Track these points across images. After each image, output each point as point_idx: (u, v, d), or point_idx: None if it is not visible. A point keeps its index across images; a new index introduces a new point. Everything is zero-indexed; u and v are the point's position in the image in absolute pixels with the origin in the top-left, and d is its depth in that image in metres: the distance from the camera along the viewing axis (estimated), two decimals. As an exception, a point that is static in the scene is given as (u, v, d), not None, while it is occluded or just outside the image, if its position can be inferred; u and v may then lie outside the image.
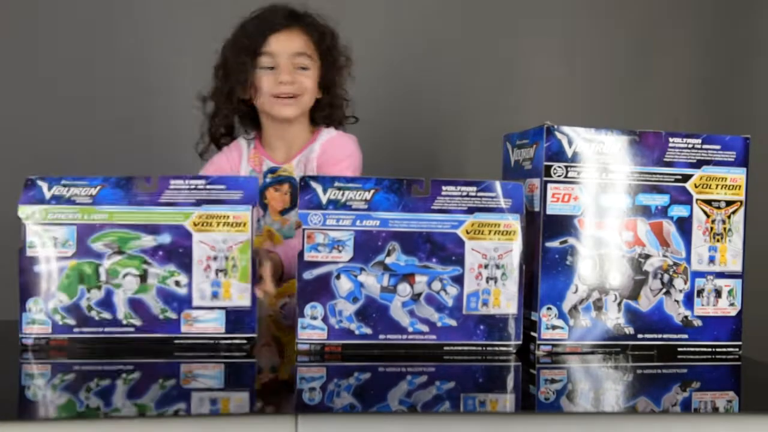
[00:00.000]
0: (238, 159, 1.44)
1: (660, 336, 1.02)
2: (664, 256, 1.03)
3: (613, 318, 1.01)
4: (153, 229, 0.98)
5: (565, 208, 1.00)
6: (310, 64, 1.39)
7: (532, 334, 1.01)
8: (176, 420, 0.72)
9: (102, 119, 1.90)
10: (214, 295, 0.99)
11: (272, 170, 1.43)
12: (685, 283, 1.03)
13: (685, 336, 1.03)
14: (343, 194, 0.98)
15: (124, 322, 0.98)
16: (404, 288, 0.98)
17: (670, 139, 1.02)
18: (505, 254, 0.99)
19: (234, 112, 1.44)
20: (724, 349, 1.04)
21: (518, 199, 1.00)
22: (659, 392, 0.88)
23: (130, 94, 1.91)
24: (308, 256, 0.97)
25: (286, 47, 1.37)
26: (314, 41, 1.40)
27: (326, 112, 1.45)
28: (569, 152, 1.00)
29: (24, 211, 0.97)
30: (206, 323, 0.99)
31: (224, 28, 1.47)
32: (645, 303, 1.02)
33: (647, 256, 1.02)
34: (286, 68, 1.36)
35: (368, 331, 0.98)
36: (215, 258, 0.99)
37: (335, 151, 1.41)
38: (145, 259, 0.98)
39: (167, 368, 0.93)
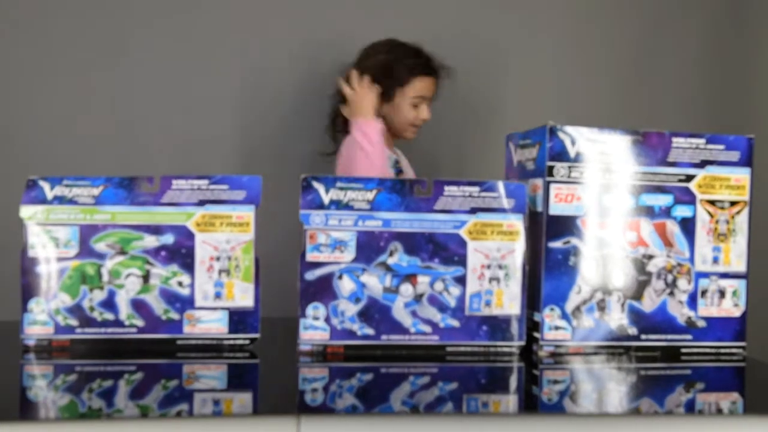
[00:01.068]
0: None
1: (663, 337, 1.02)
2: (668, 256, 1.02)
3: (617, 319, 1.01)
4: (155, 230, 0.98)
5: (568, 208, 0.99)
6: None
7: (535, 334, 1.01)
8: (179, 421, 0.72)
9: (102, 119, 1.90)
10: (217, 296, 0.99)
11: (396, 161, 1.77)
12: (689, 284, 1.03)
13: (689, 337, 1.03)
14: (345, 194, 0.97)
15: (127, 322, 0.98)
16: (407, 288, 0.98)
17: (674, 139, 1.02)
18: (508, 255, 0.99)
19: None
20: (728, 350, 1.03)
21: (521, 199, 1.00)
22: (663, 393, 0.88)
23: (132, 94, 1.91)
24: (310, 257, 0.97)
25: (430, 91, 1.74)
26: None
27: None
28: (572, 152, 0.99)
29: (26, 211, 0.97)
30: (209, 324, 0.99)
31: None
32: (648, 304, 1.02)
33: (651, 257, 1.02)
34: (428, 108, 1.74)
35: (370, 331, 0.98)
36: (218, 258, 0.99)
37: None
38: (148, 259, 0.98)
39: (170, 369, 0.93)
